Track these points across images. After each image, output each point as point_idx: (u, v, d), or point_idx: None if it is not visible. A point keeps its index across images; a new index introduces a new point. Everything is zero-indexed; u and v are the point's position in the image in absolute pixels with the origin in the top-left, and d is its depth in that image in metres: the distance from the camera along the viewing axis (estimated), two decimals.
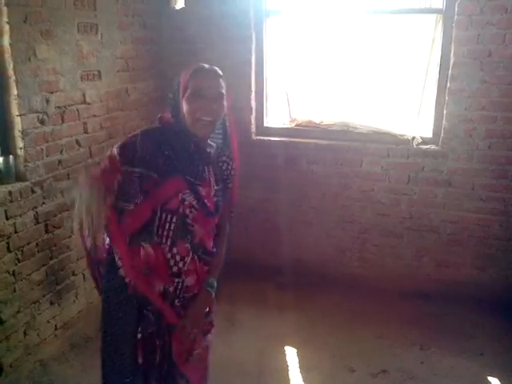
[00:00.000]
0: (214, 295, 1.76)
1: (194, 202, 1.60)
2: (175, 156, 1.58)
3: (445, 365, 2.75)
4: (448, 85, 3.18)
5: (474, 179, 3.26)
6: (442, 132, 3.27)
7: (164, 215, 1.59)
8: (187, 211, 1.60)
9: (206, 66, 1.63)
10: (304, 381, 2.62)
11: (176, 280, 1.66)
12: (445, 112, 3.23)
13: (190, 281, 1.68)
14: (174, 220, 1.59)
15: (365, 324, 3.12)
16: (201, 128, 1.58)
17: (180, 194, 1.58)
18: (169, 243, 1.61)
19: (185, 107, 1.57)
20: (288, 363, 2.76)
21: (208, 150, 1.66)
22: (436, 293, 3.42)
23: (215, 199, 1.67)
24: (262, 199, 3.69)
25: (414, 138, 3.35)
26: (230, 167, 1.73)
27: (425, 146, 3.35)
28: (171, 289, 1.66)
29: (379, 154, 3.43)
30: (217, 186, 1.68)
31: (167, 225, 1.60)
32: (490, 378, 2.65)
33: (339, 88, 3.59)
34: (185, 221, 1.61)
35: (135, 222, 1.59)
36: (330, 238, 3.65)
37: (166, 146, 1.57)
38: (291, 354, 2.84)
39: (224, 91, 1.61)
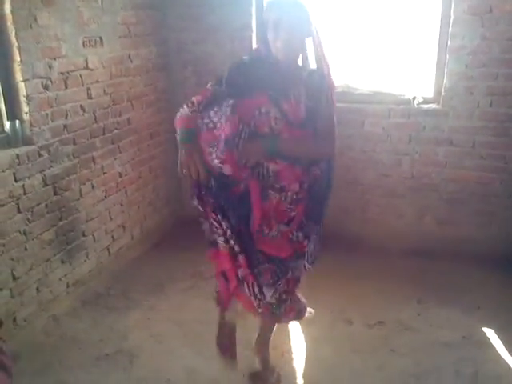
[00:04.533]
0: (263, 149, 1.84)
1: (278, 115, 1.81)
2: (260, 77, 1.82)
3: (441, 317, 2.84)
4: (448, 42, 3.16)
5: (475, 137, 3.27)
6: (443, 90, 3.26)
7: (241, 127, 1.81)
8: (273, 123, 1.82)
9: None
10: (303, 333, 2.72)
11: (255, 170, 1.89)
12: (445, 70, 3.22)
13: (273, 167, 1.88)
14: (247, 132, 1.81)
15: (365, 280, 3.21)
16: (283, 55, 1.79)
17: (262, 109, 1.80)
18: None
19: (268, 37, 1.80)
20: None
21: (300, 72, 1.87)
22: (437, 250, 3.47)
23: (304, 115, 1.84)
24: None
25: (414, 97, 3.35)
26: (322, 85, 1.86)
27: (426, 106, 3.36)
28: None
29: (380, 114, 3.44)
30: (308, 102, 1.83)
31: (242, 134, 1.82)
32: (485, 329, 2.73)
33: (339, 50, 3.57)
34: (256, 134, 1.83)
35: (226, 130, 1.81)
36: (333, 199, 3.66)
37: (252, 70, 1.84)
38: None
39: (301, 19, 1.79)
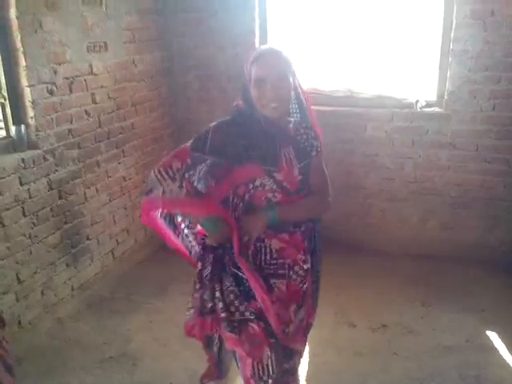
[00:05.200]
0: (265, 221, 1.65)
1: (274, 186, 1.65)
2: (249, 143, 1.63)
3: (444, 320, 2.83)
4: (451, 46, 3.17)
5: (478, 141, 3.28)
6: (446, 94, 3.27)
7: (235, 199, 1.67)
8: (270, 195, 1.66)
9: (267, 49, 1.68)
10: None
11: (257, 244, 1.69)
12: (448, 74, 3.23)
13: (275, 244, 1.70)
14: (240, 205, 1.67)
15: (368, 284, 3.21)
16: (270, 112, 1.62)
17: (256, 182, 1.64)
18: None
19: (252, 94, 1.63)
20: None
21: (286, 126, 1.70)
22: (441, 254, 3.47)
23: (299, 178, 1.68)
24: None
25: (417, 101, 3.37)
26: (309, 138, 1.71)
27: (429, 109, 3.37)
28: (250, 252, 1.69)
29: (383, 118, 3.45)
30: (300, 163, 1.68)
31: (237, 208, 1.68)
32: (488, 333, 2.72)
33: (343, 54, 3.60)
34: (252, 206, 1.66)
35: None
36: (335, 204, 3.67)
37: (238, 135, 1.64)
38: None
39: (287, 72, 1.61)
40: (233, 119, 1.70)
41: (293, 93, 1.68)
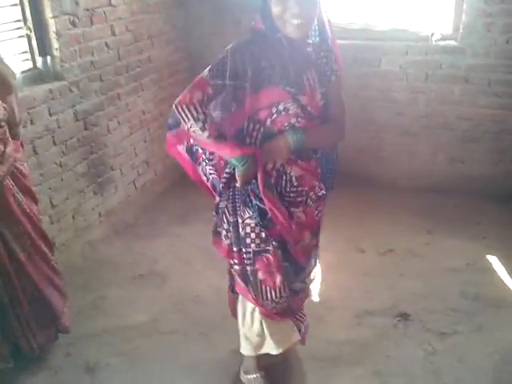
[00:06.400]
0: (291, 145, 1.63)
1: (299, 111, 1.61)
2: (270, 65, 1.56)
3: (448, 246, 3.03)
4: None
5: (491, 75, 3.32)
6: (461, 27, 3.28)
7: (252, 125, 1.63)
8: (293, 120, 1.62)
9: None
10: (319, 259, 2.93)
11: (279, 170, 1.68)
12: (464, 6, 3.22)
13: (296, 171, 1.70)
14: (261, 130, 1.63)
15: (378, 214, 3.38)
16: (293, 30, 1.52)
17: (280, 106, 1.59)
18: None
19: (272, 10, 1.52)
20: None
21: (307, 49, 1.62)
22: (449, 188, 3.60)
23: (321, 103, 1.65)
24: None
25: (432, 34, 3.38)
26: (329, 62, 1.65)
27: (443, 42, 3.38)
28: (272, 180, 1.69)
29: (398, 51, 3.47)
30: (322, 88, 1.64)
31: (254, 133, 1.64)
32: (488, 257, 2.92)
33: None
34: (271, 132, 1.63)
35: (231, 128, 1.64)
36: (349, 138, 3.77)
37: (259, 55, 1.56)
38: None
39: None
40: (251, 40, 1.60)
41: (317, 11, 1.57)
